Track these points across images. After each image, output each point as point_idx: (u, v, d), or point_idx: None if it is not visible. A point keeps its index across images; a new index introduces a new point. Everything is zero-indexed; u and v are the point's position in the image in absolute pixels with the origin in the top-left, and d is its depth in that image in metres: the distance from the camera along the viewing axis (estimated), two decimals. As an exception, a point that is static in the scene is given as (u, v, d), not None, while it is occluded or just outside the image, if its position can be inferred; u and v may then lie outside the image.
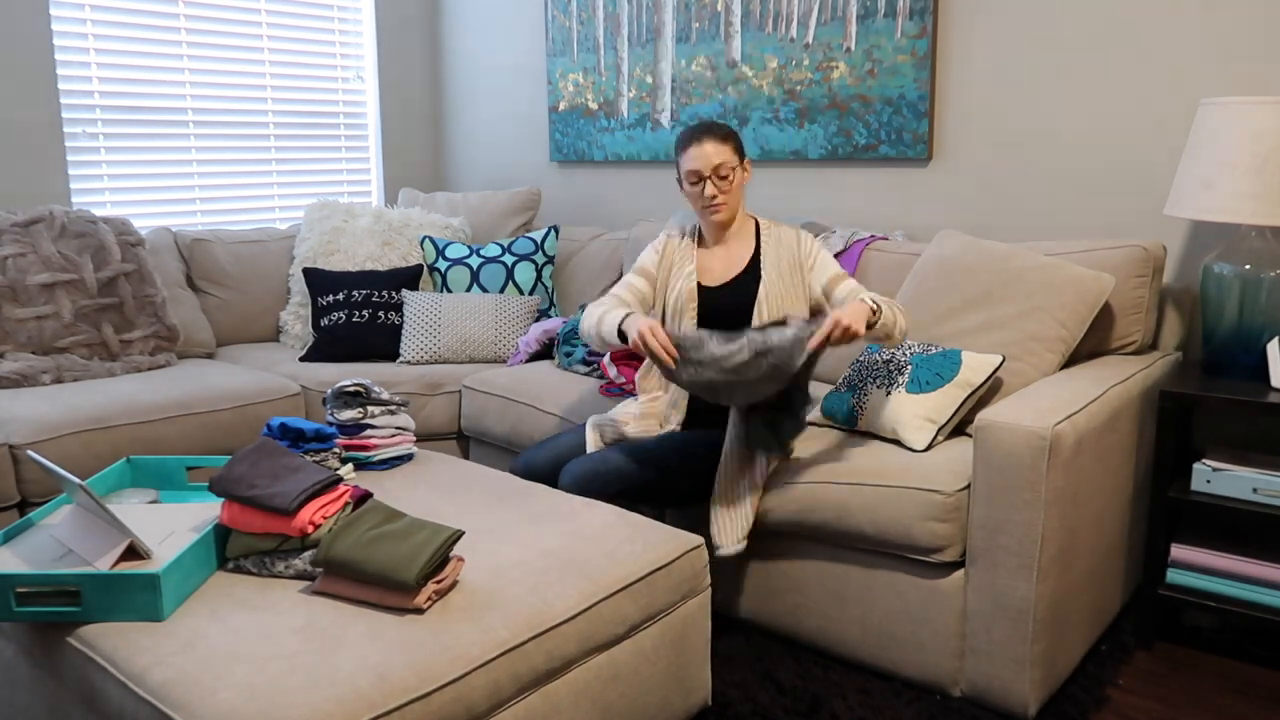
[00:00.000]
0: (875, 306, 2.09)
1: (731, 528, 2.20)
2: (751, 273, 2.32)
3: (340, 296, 3.29)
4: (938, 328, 2.44)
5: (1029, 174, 2.83)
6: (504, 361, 3.23)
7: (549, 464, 2.32)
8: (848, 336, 2.00)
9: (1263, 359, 2.29)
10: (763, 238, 2.36)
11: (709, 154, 2.26)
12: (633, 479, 2.18)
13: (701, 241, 2.42)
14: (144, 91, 3.56)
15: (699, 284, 2.35)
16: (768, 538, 2.28)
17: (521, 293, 3.42)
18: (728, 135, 2.28)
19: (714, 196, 2.28)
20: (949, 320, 2.43)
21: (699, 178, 2.28)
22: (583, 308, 3.10)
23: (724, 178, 2.27)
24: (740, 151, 2.31)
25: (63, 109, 3.34)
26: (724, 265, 2.36)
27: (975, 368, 2.23)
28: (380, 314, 3.27)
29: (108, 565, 1.56)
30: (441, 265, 3.45)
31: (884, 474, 2.09)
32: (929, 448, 2.20)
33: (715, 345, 2.03)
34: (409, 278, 3.39)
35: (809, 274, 2.31)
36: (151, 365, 3.06)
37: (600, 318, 2.25)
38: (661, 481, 2.21)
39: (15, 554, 1.66)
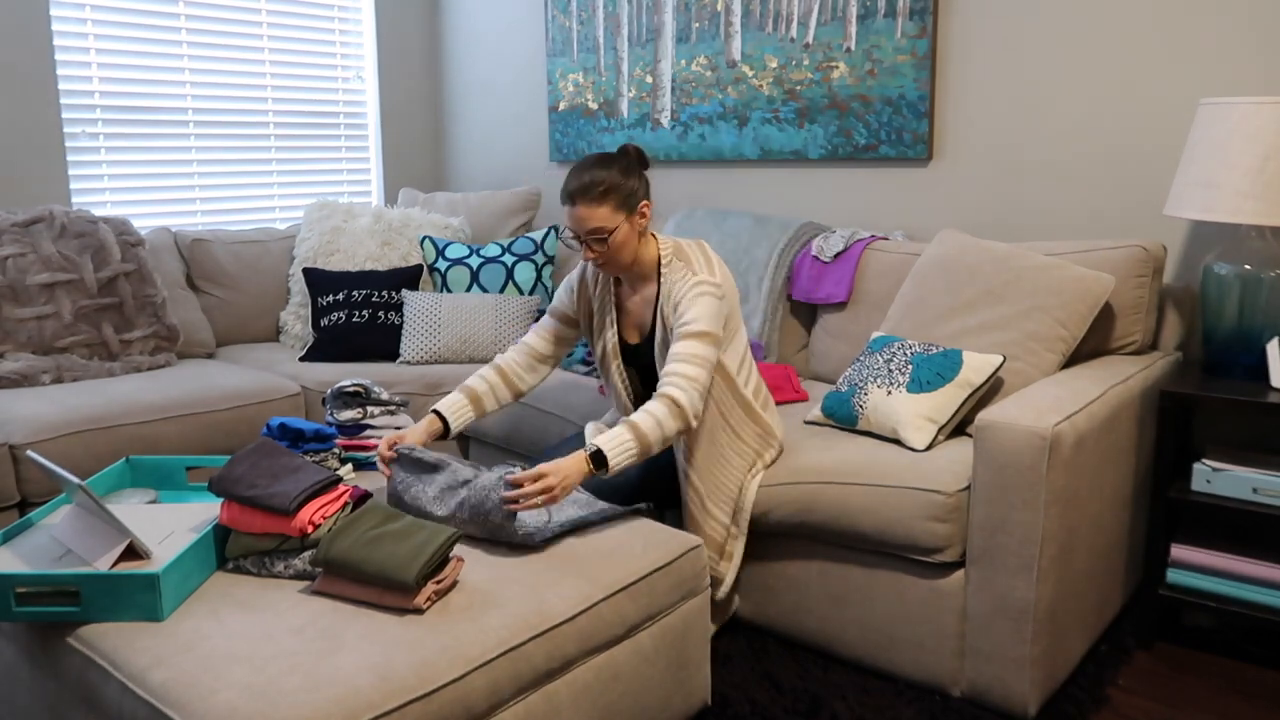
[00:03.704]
0: (599, 458, 1.86)
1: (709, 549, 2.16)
2: (654, 331, 2.17)
3: (340, 296, 3.29)
4: (938, 328, 2.44)
5: (1029, 174, 2.83)
6: (504, 361, 3.23)
7: None
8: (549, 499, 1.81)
9: (1263, 359, 2.29)
10: (662, 283, 2.13)
11: (579, 219, 2.04)
12: (628, 490, 2.17)
13: (618, 281, 2.25)
14: (144, 91, 3.56)
15: (622, 339, 2.25)
16: (768, 538, 2.28)
17: (521, 293, 3.42)
18: (604, 194, 2.01)
19: (592, 258, 2.08)
20: (949, 320, 2.43)
21: (575, 236, 2.08)
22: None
23: (600, 240, 2.04)
24: (627, 202, 2.04)
25: (63, 109, 3.34)
26: (640, 312, 2.21)
27: (976, 368, 2.23)
28: (380, 314, 3.27)
29: (107, 565, 1.56)
30: (441, 265, 3.45)
31: (884, 474, 2.09)
32: (929, 448, 2.20)
33: (427, 489, 1.87)
34: (409, 278, 3.39)
35: (678, 324, 2.05)
36: (151, 365, 3.06)
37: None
38: (655, 488, 2.21)
39: (15, 554, 1.66)
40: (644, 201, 2.10)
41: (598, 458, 1.88)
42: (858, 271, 2.85)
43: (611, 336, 2.25)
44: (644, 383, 2.30)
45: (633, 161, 2.10)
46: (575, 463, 1.86)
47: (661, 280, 2.14)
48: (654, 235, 2.19)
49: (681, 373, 1.98)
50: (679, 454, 2.16)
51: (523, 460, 2.90)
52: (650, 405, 1.96)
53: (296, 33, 3.97)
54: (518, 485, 1.79)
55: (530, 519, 1.86)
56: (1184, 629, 2.40)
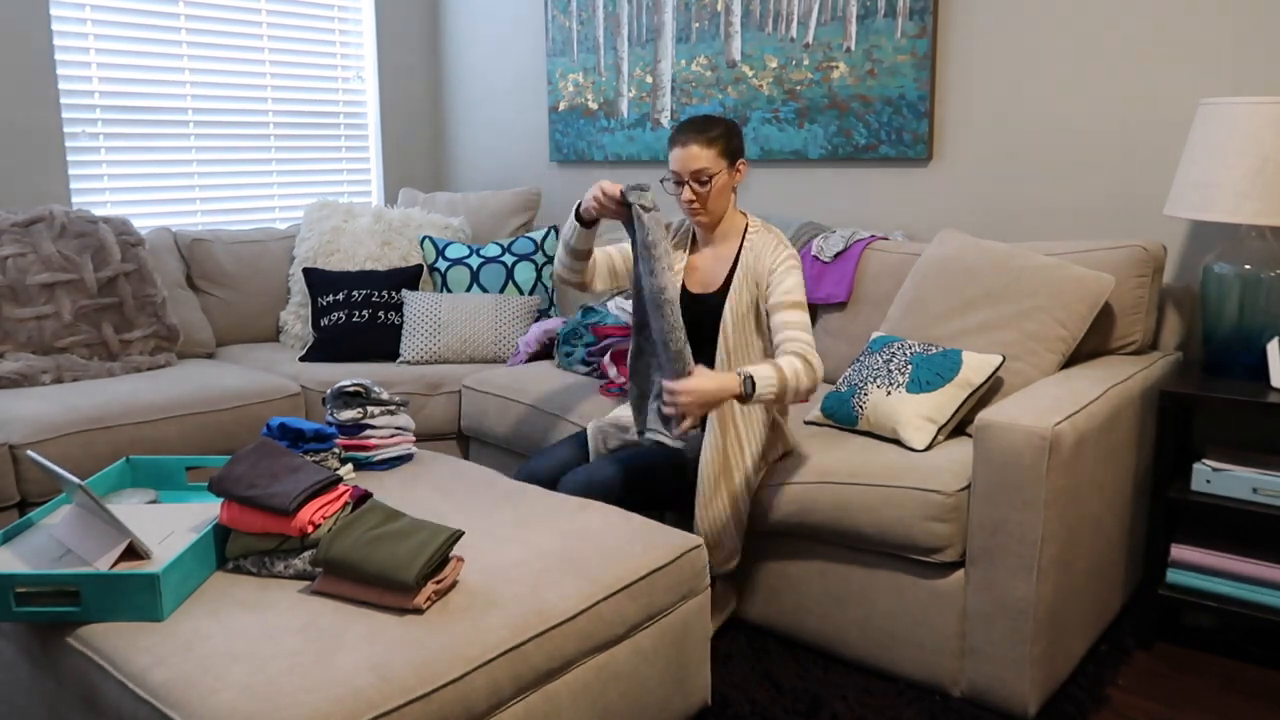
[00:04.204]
0: (750, 383, 1.95)
1: (716, 547, 2.18)
2: (728, 286, 2.23)
3: (340, 296, 3.29)
4: (938, 328, 2.44)
5: (1029, 174, 2.83)
6: (504, 361, 3.23)
7: (550, 474, 2.31)
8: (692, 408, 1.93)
9: (1263, 359, 2.29)
10: (745, 247, 2.23)
11: (689, 156, 2.14)
12: (628, 489, 2.17)
13: (694, 240, 2.34)
14: (144, 91, 3.56)
15: (684, 288, 2.29)
16: (768, 538, 2.28)
17: (521, 293, 3.42)
18: (715, 138, 2.15)
19: (690, 201, 2.18)
20: (949, 320, 2.43)
21: (678, 179, 2.18)
22: (583, 309, 3.10)
23: (703, 183, 2.16)
24: (731, 153, 2.18)
25: (63, 109, 3.34)
26: (711, 268, 2.28)
27: (976, 368, 2.23)
28: (380, 314, 3.27)
29: (107, 565, 1.56)
30: (441, 265, 3.45)
31: (884, 474, 2.09)
32: (929, 448, 2.20)
33: (648, 207, 2.08)
34: (409, 278, 3.39)
35: (766, 289, 2.17)
36: (151, 365, 3.06)
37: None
38: (656, 490, 2.21)
39: (15, 554, 1.66)
40: (742, 160, 2.23)
41: (748, 383, 1.96)
42: (858, 271, 2.85)
43: (677, 281, 2.27)
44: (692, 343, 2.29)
45: (734, 127, 2.23)
46: (725, 380, 1.95)
47: (745, 243, 2.24)
48: (742, 211, 2.30)
49: (800, 338, 2.09)
50: (732, 427, 2.18)
51: (521, 457, 2.90)
52: (786, 359, 2.03)
53: (296, 33, 3.97)
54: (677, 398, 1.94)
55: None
56: (1184, 629, 2.40)
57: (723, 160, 2.17)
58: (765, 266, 2.18)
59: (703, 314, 2.26)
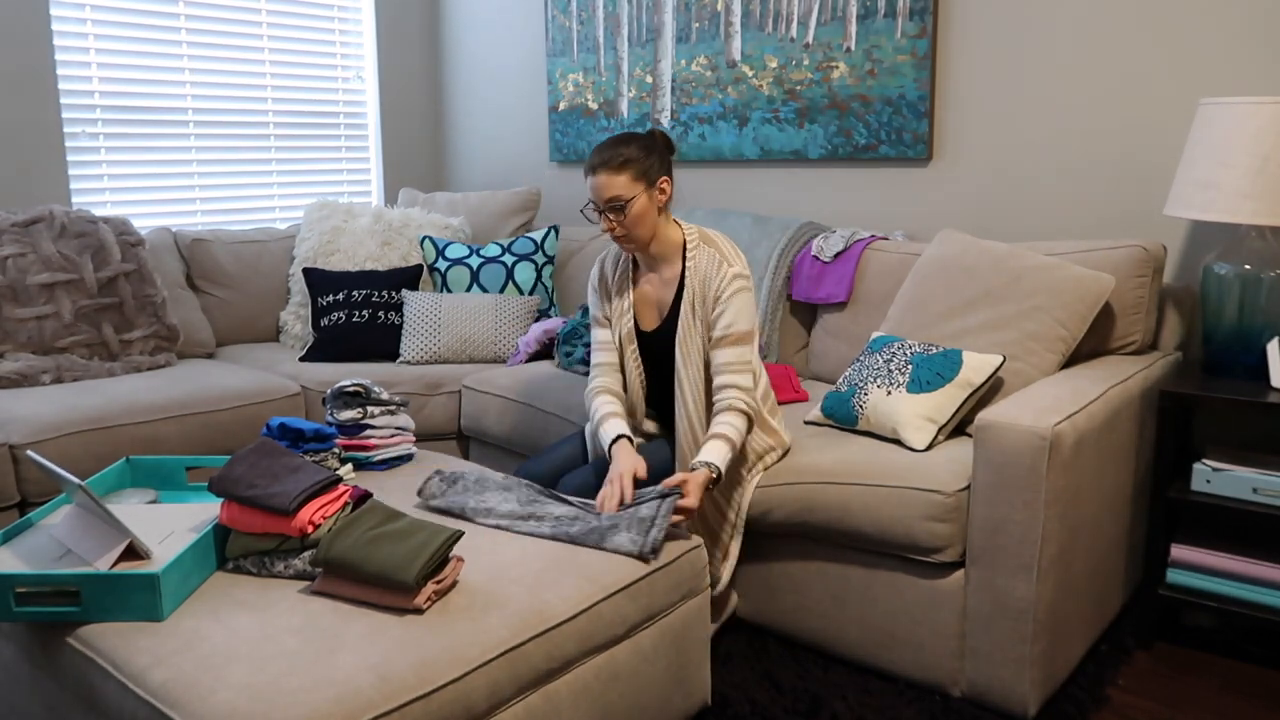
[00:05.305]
0: (716, 468, 1.98)
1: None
2: (677, 314, 2.18)
3: (340, 296, 3.29)
4: (938, 328, 2.44)
5: (1029, 174, 2.83)
6: (504, 361, 3.23)
7: (550, 474, 2.31)
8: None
9: (1263, 359, 2.29)
10: (687, 268, 2.16)
11: (599, 185, 2.07)
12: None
13: (636, 262, 2.26)
14: (144, 91, 3.56)
15: (636, 326, 2.25)
16: (768, 538, 2.28)
17: (521, 293, 3.42)
18: (625, 163, 2.06)
19: (610, 230, 2.11)
20: (949, 320, 2.43)
21: (596, 208, 2.11)
22: (583, 309, 3.10)
23: (618, 210, 2.07)
24: (647, 175, 2.08)
25: (63, 109, 3.34)
26: (659, 294, 2.22)
27: (976, 368, 2.23)
28: (380, 314, 3.27)
29: (107, 565, 1.56)
30: (441, 265, 3.45)
31: (884, 474, 2.09)
32: (929, 448, 2.20)
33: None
34: (409, 278, 3.39)
35: (712, 315, 2.12)
36: (151, 365, 3.06)
37: (595, 423, 2.16)
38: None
39: (15, 554, 1.66)
40: (663, 177, 2.13)
41: (714, 470, 2.00)
42: (858, 271, 2.85)
43: (627, 322, 2.24)
44: (654, 373, 2.27)
45: (656, 141, 2.15)
46: (700, 479, 1.97)
47: (687, 261, 2.16)
48: (678, 221, 2.22)
49: (735, 384, 2.09)
50: (688, 447, 2.16)
51: (520, 458, 2.90)
52: (726, 418, 2.06)
53: (296, 33, 3.97)
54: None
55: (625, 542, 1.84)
56: (1184, 629, 2.40)
57: (638, 184, 2.07)
58: (712, 292, 2.12)
59: (657, 350, 2.23)
